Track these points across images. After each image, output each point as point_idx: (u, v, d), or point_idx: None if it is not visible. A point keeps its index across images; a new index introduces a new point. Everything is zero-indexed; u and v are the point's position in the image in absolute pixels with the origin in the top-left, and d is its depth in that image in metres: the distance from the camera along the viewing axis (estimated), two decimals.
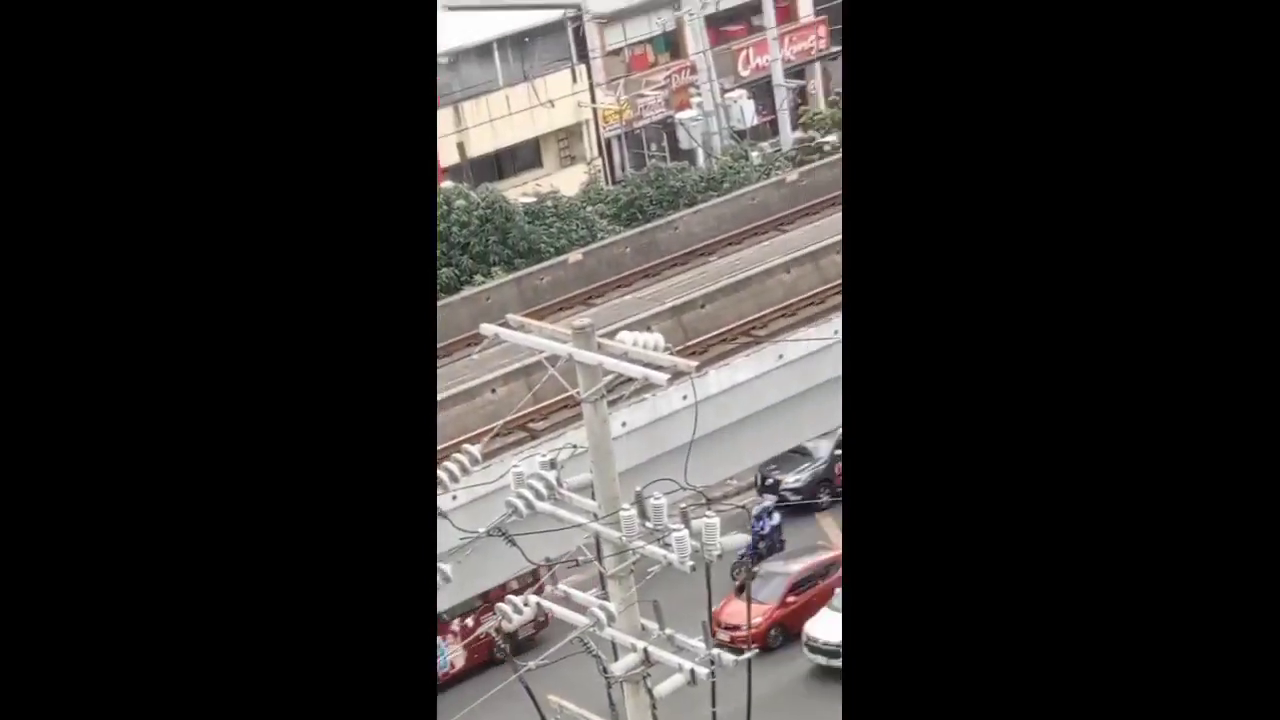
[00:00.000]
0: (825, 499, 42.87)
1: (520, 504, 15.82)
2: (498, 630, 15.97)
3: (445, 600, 17.02)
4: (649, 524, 15.64)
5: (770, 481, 43.20)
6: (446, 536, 15.96)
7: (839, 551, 35.99)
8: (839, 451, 41.46)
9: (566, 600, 16.28)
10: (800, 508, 41.71)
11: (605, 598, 16.03)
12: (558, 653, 15.84)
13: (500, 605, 15.90)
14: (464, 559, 15.84)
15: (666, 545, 15.56)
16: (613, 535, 15.79)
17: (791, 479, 42.95)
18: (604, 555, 15.99)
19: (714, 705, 15.70)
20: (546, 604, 16.12)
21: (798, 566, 37.63)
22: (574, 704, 16.53)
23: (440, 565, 15.56)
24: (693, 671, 15.61)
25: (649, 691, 15.86)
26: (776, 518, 40.02)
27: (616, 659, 15.95)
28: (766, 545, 39.72)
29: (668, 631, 15.88)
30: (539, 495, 15.87)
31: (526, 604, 15.86)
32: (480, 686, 26.55)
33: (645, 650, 15.84)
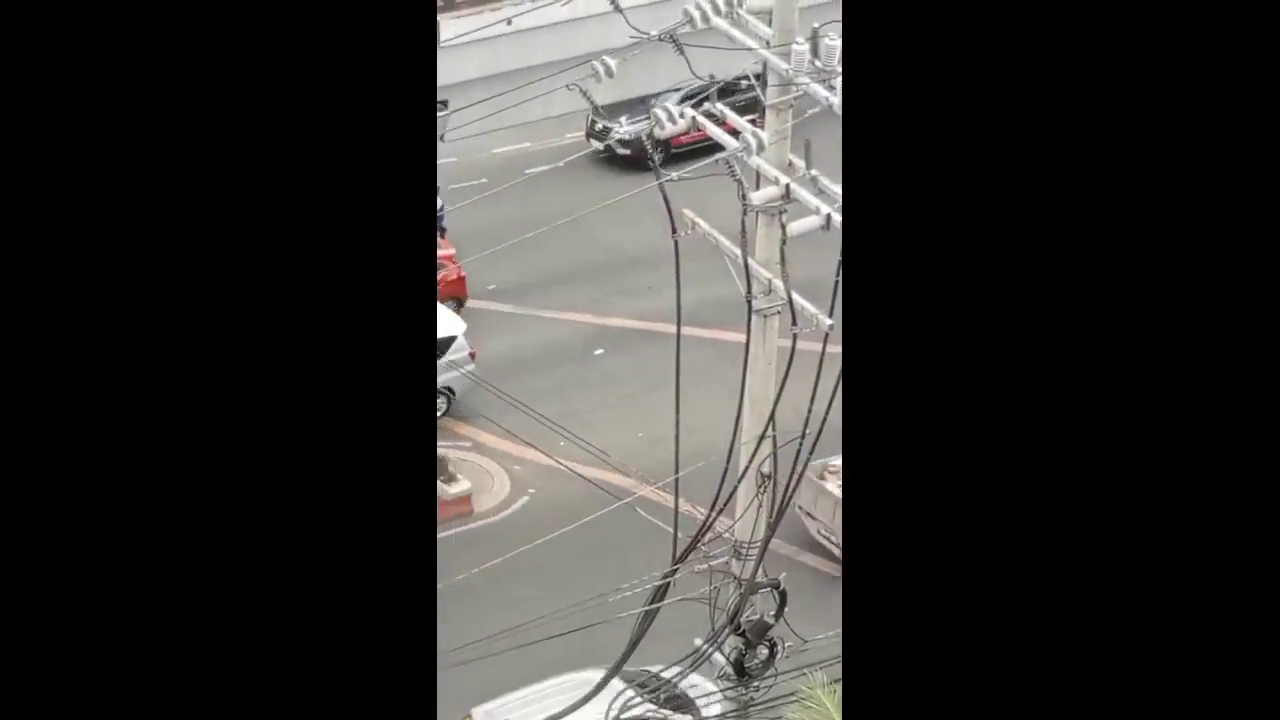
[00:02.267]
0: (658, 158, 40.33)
1: (697, 13, 15.74)
2: (649, 136, 15.95)
3: (605, 97, 16.97)
4: (818, 63, 15.57)
5: (599, 128, 39.35)
6: (619, 35, 15.98)
7: None
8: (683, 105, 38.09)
9: (721, 121, 16.26)
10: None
11: (759, 126, 16.03)
12: (701, 169, 15.89)
13: (655, 110, 15.89)
14: (630, 58, 15.80)
15: (831, 88, 15.52)
16: (780, 66, 15.73)
17: (624, 129, 38.34)
18: (768, 84, 15.95)
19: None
20: (701, 119, 16.10)
21: None
22: (706, 223, 16.64)
23: (607, 59, 15.58)
24: (829, 216, 15.66)
25: (782, 226, 15.96)
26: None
27: (758, 189, 16.02)
28: None
29: (813, 173, 15.89)
30: (716, 9, 15.78)
31: (682, 114, 15.85)
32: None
33: (787, 186, 15.89)
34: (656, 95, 35.09)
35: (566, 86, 16.60)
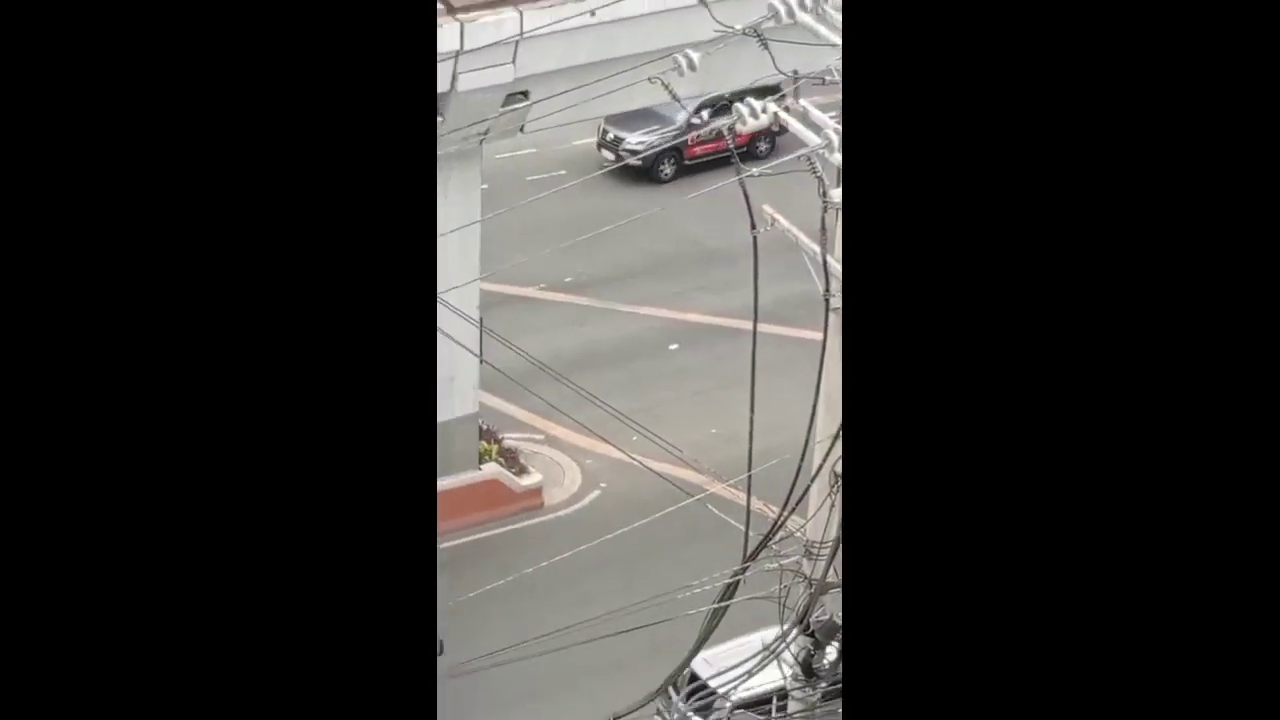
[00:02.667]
0: (668, 170, 40.24)
1: (782, 8, 15.63)
2: (730, 130, 15.85)
3: (686, 89, 16.88)
4: None
5: (611, 138, 40.30)
6: (704, 29, 15.93)
7: None
8: (695, 121, 38.79)
9: (804, 117, 16.16)
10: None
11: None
12: (782, 165, 15.79)
13: (738, 105, 15.79)
14: (713, 52, 15.73)
15: None
16: None
17: (635, 139, 39.75)
18: None
19: None
20: (783, 115, 16.00)
21: None
22: (785, 219, 16.55)
23: (689, 52, 15.53)
24: None
25: None
26: None
27: (839, 186, 15.90)
28: None
29: None
30: (802, 4, 15.67)
31: (765, 109, 15.75)
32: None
33: None
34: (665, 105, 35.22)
35: (649, 79, 16.52)
